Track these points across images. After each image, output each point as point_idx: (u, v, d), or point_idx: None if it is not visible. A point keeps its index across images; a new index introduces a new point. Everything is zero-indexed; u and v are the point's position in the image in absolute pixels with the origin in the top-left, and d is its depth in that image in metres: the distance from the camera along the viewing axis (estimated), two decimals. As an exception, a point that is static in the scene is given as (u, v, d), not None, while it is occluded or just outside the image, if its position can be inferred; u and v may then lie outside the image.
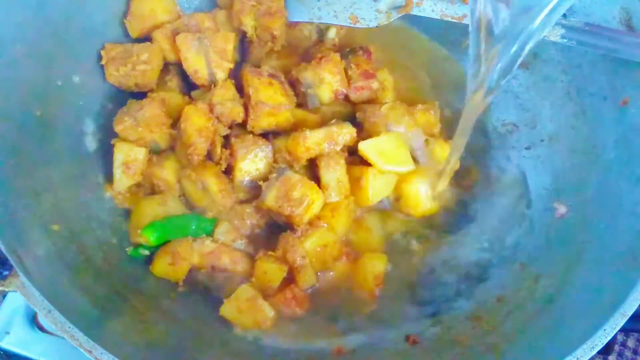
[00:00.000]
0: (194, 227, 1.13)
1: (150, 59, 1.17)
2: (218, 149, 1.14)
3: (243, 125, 1.18)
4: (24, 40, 1.02)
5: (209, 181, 1.11)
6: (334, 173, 1.14)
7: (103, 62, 1.17)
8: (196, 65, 1.18)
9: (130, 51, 1.17)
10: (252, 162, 1.14)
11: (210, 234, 1.14)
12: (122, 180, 1.13)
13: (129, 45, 1.19)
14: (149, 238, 1.10)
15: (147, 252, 1.12)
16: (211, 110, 1.13)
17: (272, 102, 1.14)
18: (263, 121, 1.15)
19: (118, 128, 1.12)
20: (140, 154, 1.13)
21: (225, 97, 1.15)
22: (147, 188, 1.17)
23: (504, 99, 1.31)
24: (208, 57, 1.17)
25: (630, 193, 1.05)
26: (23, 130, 1.02)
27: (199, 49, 1.16)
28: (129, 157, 1.12)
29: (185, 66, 1.18)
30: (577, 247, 1.09)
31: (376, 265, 1.16)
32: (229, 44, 1.18)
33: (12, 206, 0.93)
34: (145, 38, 1.22)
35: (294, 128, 1.17)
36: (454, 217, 1.23)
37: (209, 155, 1.15)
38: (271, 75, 1.17)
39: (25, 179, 0.99)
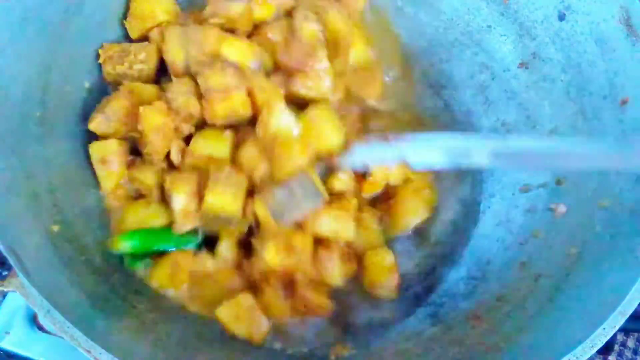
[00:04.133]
0: (175, 239, 1.10)
1: (148, 58, 1.17)
2: (174, 151, 1.10)
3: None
4: (24, 41, 1.02)
5: (174, 197, 1.08)
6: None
7: (100, 61, 1.18)
8: (174, 56, 1.16)
9: (128, 50, 1.18)
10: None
11: (197, 246, 1.12)
12: (107, 178, 1.12)
13: (127, 45, 1.19)
14: (123, 246, 1.07)
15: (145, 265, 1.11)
16: (169, 108, 1.11)
17: (221, 86, 1.10)
18: (218, 109, 1.10)
19: (91, 126, 1.12)
20: (114, 144, 1.11)
21: (180, 90, 1.12)
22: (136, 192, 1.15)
23: (503, 99, 1.32)
24: (187, 49, 1.15)
25: (630, 193, 1.05)
26: (23, 131, 1.02)
27: (182, 40, 1.15)
28: (104, 152, 1.11)
29: (165, 57, 1.17)
30: (577, 247, 1.09)
31: (385, 258, 1.15)
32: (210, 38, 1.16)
33: (11, 206, 0.93)
34: (146, 39, 1.22)
35: (256, 115, 1.11)
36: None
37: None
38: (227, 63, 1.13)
39: (25, 179, 0.99)
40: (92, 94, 1.18)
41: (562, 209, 1.17)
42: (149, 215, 1.11)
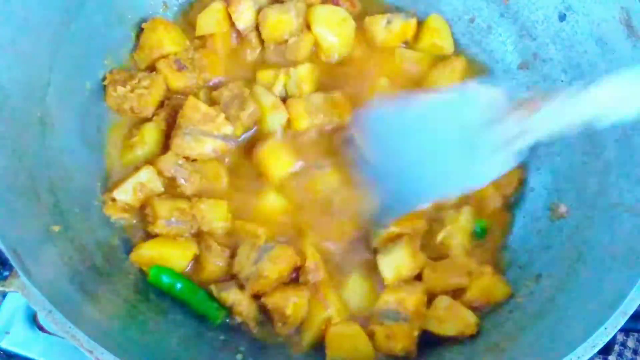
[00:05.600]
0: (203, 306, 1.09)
1: (151, 86, 1.18)
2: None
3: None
4: (25, 41, 1.02)
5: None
6: None
7: (105, 83, 1.19)
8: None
9: (135, 76, 1.19)
10: None
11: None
12: (126, 192, 1.12)
13: (134, 72, 1.21)
14: (153, 276, 1.08)
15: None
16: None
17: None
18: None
19: (176, 147, 1.13)
20: (159, 188, 1.13)
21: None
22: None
23: (504, 99, 1.32)
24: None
25: (630, 193, 1.05)
26: (23, 131, 1.02)
27: (192, 133, 1.14)
28: (148, 182, 1.12)
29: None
30: (577, 247, 1.09)
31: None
32: (199, 104, 1.15)
33: (12, 207, 0.93)
34: (154, 69, 1.23)
35: None
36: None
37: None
38: None
39: (26, 179, 0.99)
40: (92, 94, 1.18)
41: (562, 209, 1.17)
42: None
